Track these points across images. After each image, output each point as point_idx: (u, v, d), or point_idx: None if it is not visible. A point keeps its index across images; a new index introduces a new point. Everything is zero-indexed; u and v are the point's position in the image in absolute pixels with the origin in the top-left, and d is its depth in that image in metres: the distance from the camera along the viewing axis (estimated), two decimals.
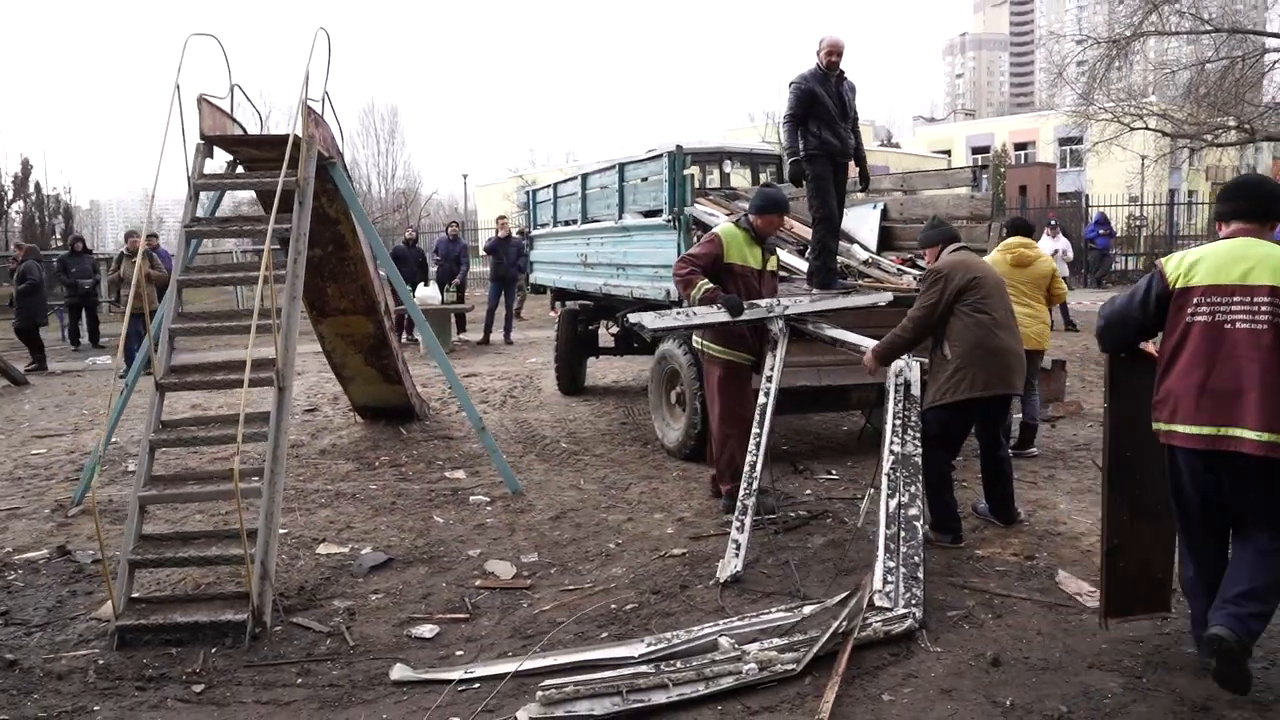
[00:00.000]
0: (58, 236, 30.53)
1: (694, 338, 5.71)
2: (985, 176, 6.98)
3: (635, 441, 7.51)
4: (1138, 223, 27.94)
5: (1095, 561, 4.50)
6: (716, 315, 5.20)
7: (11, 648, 3.90)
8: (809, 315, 5.49)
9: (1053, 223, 15.96)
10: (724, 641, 3.62)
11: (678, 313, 5.34)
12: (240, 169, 5.58)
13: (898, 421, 4.75)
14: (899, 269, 7.37)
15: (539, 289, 10.97)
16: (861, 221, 8.34)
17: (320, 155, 5.22)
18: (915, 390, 4.93)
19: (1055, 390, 8.40)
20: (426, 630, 3.97)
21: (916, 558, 4.08)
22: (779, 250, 7.46)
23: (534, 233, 10.80)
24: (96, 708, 3.40)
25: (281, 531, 5.20)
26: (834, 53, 6.42)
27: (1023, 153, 41.68)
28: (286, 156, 4.45)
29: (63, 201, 34.80)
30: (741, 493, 4.79)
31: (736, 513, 4.70)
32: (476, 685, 3.43)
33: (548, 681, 3.22)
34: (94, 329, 15.57)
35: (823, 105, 6.41)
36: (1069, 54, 25.13)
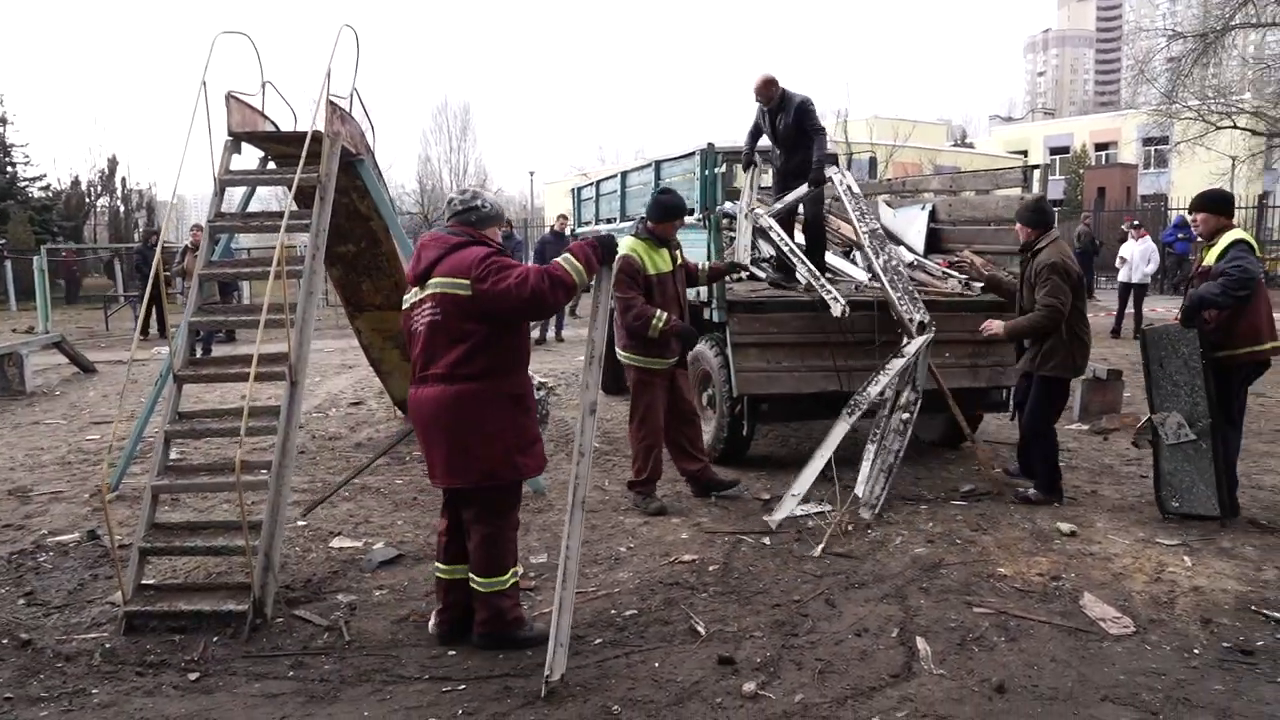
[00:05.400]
0: (139, 230, 31.79)
1: (617, 349, 5.67)
2: (1035, 177, 6.67)
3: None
4: None
5: (1125, 585, 4.28)
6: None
7: (29, 627, 4.01)
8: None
9: (1136, 224, 14.30)
10: None
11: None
12: (271, 165, 5.65)
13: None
14: (944, 272, 7.13)
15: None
16: (909, 223, 8.11)
17: (346, 151, 5.25)
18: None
19: (1111, 401, 8.05)
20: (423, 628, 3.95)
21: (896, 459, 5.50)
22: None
23: (579, 230, 10.79)
24: (95, 690, 3.47)
25: (300, 524, 5.26)
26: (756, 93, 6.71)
27: (1104, 153, 40.21)
28: (304, 152, 4.47)
29: (146, 196, 36.17)
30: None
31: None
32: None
33: None
34: (162, 320, 16.07)
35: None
36: (1154, 49, 24.07)
